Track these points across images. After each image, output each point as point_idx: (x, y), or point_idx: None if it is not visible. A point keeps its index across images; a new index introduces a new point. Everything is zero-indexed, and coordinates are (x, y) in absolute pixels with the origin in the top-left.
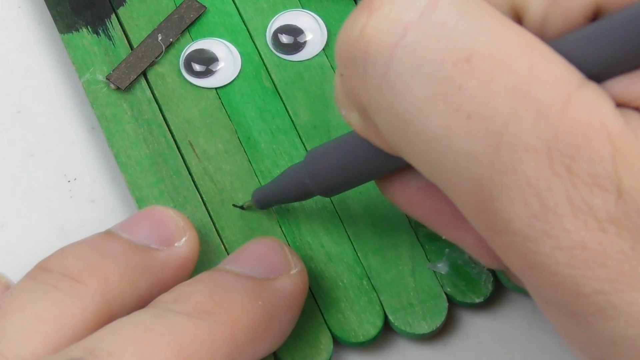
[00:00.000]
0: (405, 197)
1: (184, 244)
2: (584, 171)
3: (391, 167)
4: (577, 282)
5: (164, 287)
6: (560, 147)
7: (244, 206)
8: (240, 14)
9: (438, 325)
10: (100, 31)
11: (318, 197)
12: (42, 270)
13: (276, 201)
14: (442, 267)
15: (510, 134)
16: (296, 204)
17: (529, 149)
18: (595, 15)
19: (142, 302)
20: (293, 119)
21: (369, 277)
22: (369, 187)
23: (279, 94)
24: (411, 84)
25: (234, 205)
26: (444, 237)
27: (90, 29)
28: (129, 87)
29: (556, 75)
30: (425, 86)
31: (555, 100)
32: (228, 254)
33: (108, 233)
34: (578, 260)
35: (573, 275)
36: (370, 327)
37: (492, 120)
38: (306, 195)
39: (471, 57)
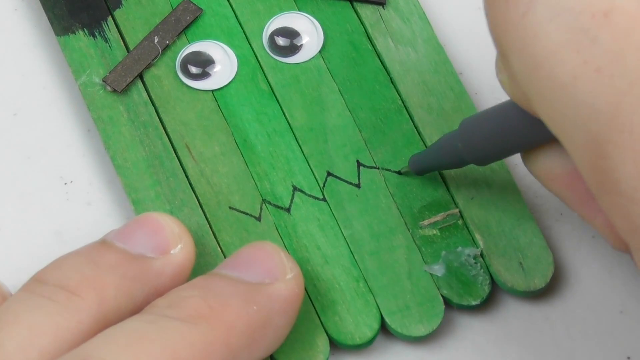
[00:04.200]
0: (546, 171)
1: (180, 251)
2: None
3: (538, 138)
4: None
5: (160, 295)
6: None
7: (401, 171)
8: (236, 16)
9: (434, 328)
10: (96, 33)
11: (311, 201)
12: (38, 282)
13: (431, 167)
14: (438, 270)
15: (634, 95)
16: (287, 203)
17: None
18: None
19: (138, 312)
20: (289, 121)
21: (365, 280)
22: (365, 190)
23: (275, 97)
24: (547, 28)
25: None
26: (576, 214)
27: (86, 31)
28: (125, 90)
29: None
30: (561, 33)
31: None
32: (224, 257)
33: (103, 243)
34: None
35: None
36: (366, 330)
37: (619, 77)
38: (459, 162)
39: (610, 11)
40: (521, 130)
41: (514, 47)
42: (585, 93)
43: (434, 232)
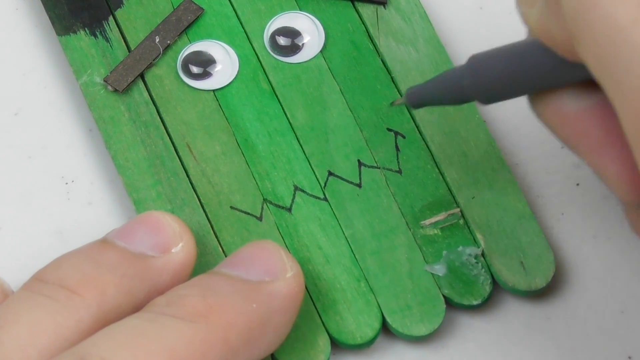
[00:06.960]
0: (558, 116)
1: (181, 250)
2: None
3: (555, 80)
4: None
5: (161, 294)
6: None
7: (393, 103)
8: (237, 15)
9: (436, 327)
10: (97, 33)
11: (312, 201)
12: (38, 281)
13: (430, 101)
14: (439, 269)
15: None
16: (288, 203)
17: None
18: None
19: (138, 310)
20: (290, 121)
21: (366, 279)
22: (366, 190)
23: (276, 96)
24: None
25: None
26: (585, 162)
27: (87, 31)
28: (127, 89)
29: None
30: None
31: None
32: (225, 257)
33: (104, 242)
34: None
35: None
36: (367, 329)
37: None
38: (461, 99)
39: None
40: (540, 70)
41: None
42: None
43: (435, 231)
